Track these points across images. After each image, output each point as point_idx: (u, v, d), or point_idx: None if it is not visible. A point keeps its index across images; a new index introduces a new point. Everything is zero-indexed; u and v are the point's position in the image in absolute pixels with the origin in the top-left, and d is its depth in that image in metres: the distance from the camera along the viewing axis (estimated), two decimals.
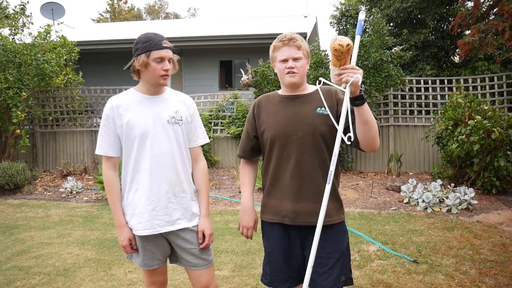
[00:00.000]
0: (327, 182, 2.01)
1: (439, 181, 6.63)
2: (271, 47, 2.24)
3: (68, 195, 7.87)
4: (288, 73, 2.18)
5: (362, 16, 1.98)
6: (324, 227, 2.06)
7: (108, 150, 2.32)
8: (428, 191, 6.41)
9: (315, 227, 2.04)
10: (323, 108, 2.18)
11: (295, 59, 2.17)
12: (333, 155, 2.01)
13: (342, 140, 1.99)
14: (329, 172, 2.01)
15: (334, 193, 2.21)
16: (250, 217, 2.36)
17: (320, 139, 2.17)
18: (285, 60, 2.17)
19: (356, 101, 1.96)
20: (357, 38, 1.97)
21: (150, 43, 2.22)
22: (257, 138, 2.36)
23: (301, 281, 2.25)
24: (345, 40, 1.85)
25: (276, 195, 2.24)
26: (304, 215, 2.17)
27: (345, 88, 1.94)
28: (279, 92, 2.34)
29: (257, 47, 12.52)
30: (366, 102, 1.99)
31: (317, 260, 2.11)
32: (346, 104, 1.97)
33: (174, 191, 2.33)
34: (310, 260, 2.01)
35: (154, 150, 2.28)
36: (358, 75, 1.88)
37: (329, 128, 2.16)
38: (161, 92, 2.38)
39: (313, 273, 2.16)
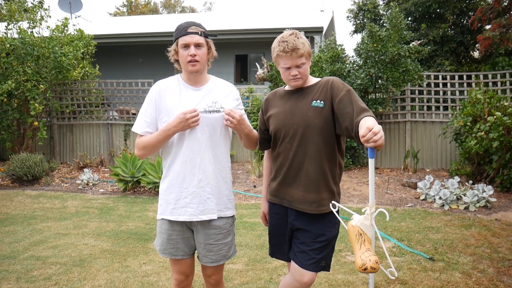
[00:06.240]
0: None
1: (457, 178, 6.51)
2: (274, 50, 2.28)
3: (84, 187, 7.96)
4: (292, 79, 2.27)
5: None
6: (318, 215, 2.27)
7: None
8: (445, 188, 6.31)
9: (305, 213, 2.27)
10: (318, 101, 2.24)
11: (298, 66, 2.23)
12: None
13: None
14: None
15: (327, 185, 2.29)
16: (262, 208, 2.63)
17: (314, 131, 2.23)
18: (288, 68, 2.24)
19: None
20: (371, 161, 1.85)
21: (178, 31, 2.22)
22: (267, 130, 2.49)
23: (289, 259, 2.45)
24: (374, 261, 1.80)
25: (278, 181, 2.40)
26: (297, 201, 2.30)
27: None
28: (286, 87, 2.45)
29: (272, 41, 12.43)
30: None
31: (306, 240, 2.28)
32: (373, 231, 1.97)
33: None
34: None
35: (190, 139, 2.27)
36: (380, 136, 1.76)
37: (324, 120, 2.22)
38: (201, 83, 2.32)
39: (297, 250, 2.32)
